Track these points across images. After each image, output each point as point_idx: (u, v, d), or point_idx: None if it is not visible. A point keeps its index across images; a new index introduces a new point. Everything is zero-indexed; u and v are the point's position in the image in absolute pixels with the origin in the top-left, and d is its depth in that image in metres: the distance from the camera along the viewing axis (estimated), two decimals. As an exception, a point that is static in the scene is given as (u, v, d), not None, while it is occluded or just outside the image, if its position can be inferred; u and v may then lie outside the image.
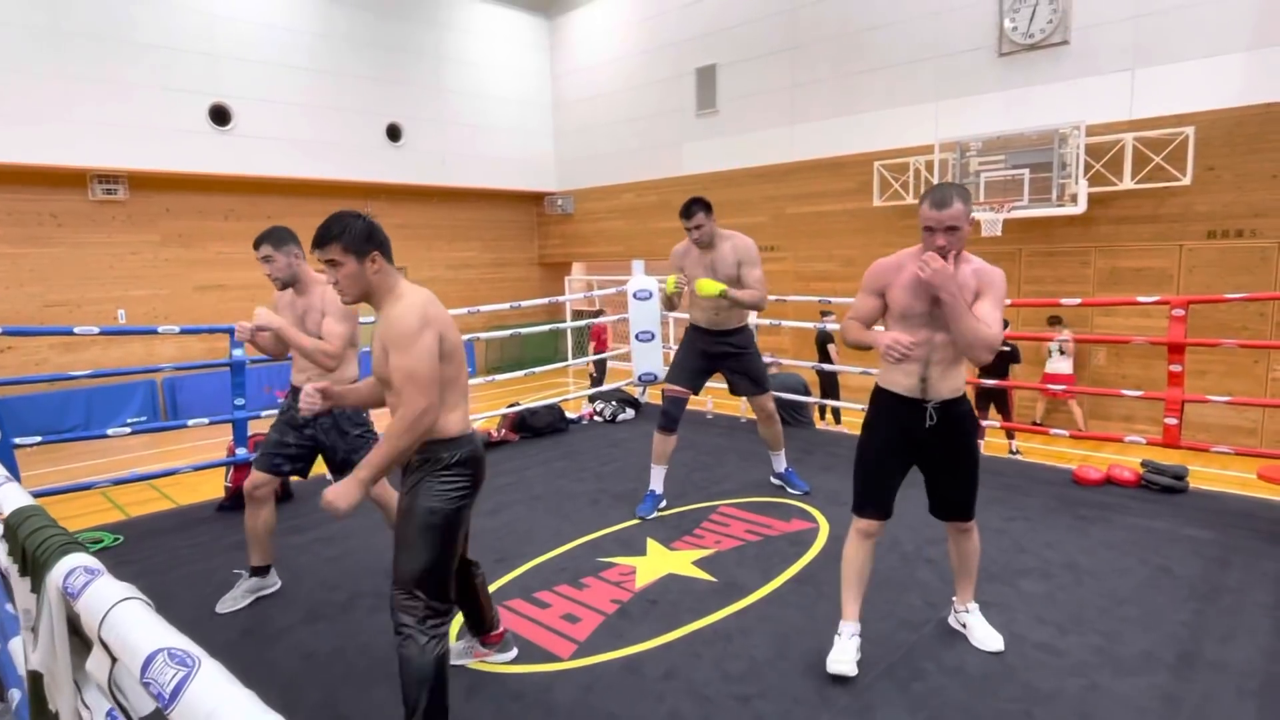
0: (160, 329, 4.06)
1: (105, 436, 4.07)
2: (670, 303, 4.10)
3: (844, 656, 2.48)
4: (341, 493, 2.00)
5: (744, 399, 6.55)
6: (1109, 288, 8.14)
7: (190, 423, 4.23)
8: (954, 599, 2.80)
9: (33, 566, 1.08)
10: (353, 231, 2.05)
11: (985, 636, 2.66)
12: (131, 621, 0.77)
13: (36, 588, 1.06)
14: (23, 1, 8.55)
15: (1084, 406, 8.41)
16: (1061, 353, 8.28)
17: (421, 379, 1.99)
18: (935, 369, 2.45)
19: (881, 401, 2.59)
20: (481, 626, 2.59)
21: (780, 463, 4.40)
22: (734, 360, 4.15)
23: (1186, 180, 7.34)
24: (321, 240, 2.06)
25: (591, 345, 10.13)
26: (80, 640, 1.04)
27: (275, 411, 3.35)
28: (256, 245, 3.00)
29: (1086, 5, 8.00)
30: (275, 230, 3.01)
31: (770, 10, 10.75)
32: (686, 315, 4.31)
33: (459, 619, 2.92)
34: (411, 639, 2.03)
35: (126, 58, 9.31)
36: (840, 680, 2.45)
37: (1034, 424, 8.30)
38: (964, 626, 2.74)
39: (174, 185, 10.23)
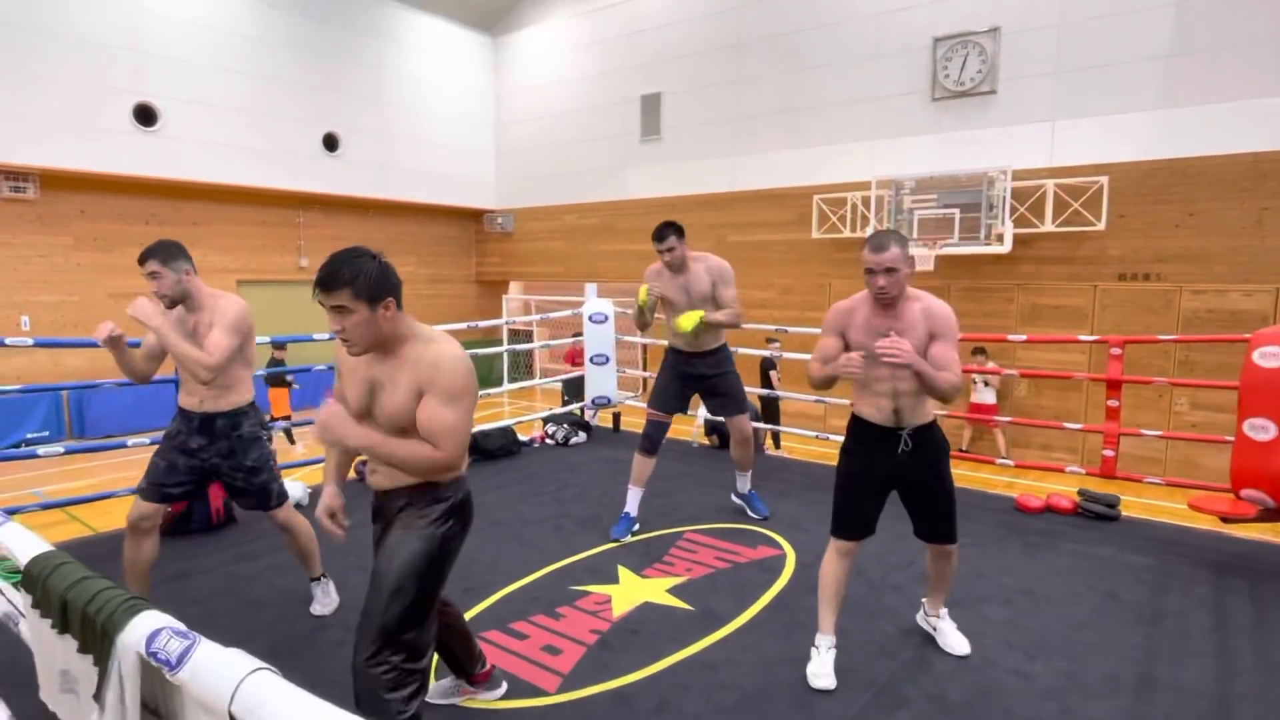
0: (101, 341, 3.77)
1: (35, 456, 3.74)
2: (643, 318, 4.09)
3: (824, 670, 2.65)
4: (342, 425, 1.88)
5: (697, 424, 6.63)
6: (1030, 323, 8.64)
7: (130, 442, 3.95)
8: (924, 602, 3.02)
9: (85, 626, 0.99)
10: (367, 277, 1.83)
11: (955, 641, 2.87)
12: (279, 699, 0.71)
13: (93, 650, 0.97)
14: (-73, -18, 7.93)
15: (1007, 435, 8.86)
16: (986, 384, 8.73)
17: (460, 435, 1.92)
18: (905, 400, 2.61)
19: (858, 430, 2.75)
20: (467, 667, 2.47)
21: (744, 483, 4.45)
22: (713, 381, 4.20)
23: (1101, 225, 7.90)
24: (329, 284, 1.83)
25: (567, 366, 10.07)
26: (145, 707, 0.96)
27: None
28: (142, 260, 2.82)
29: (1012, 59, 8.55)
30: (163, 244, 2.85)
31: (716, 43, 11.02)
32: (630, 338, 4.34)
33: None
34: (383, 698, 1.87)
35: (41, 48, 8.72)
36: (830, 707, 2.49)
37: (961, 450, 8.68)
38: (934, 629, 2.95)
39: (91, 186, 9.60)
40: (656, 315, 4.22)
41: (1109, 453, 4.25)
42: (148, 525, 2.96)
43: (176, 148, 9.89)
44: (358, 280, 1.84)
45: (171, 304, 2.89)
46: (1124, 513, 4.44)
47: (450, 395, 1.90)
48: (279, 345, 7.44)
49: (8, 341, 3.55)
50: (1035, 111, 8.47)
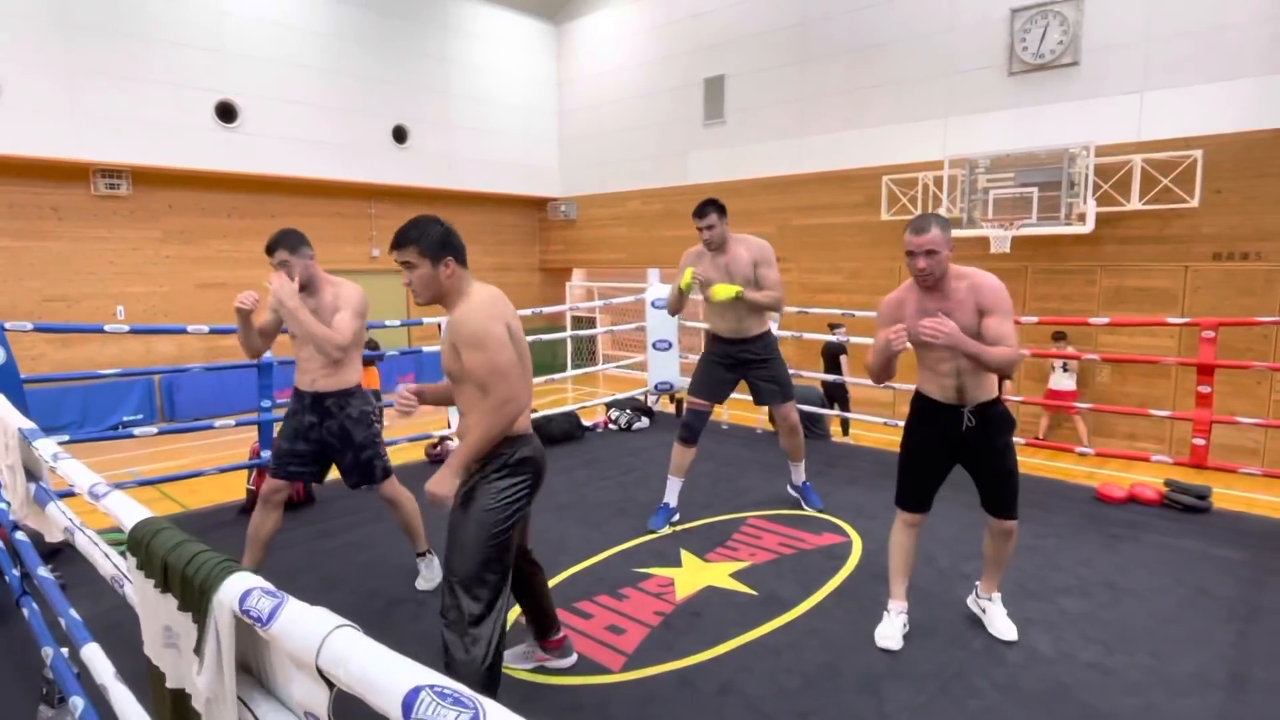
0: (190, 328, 4.00)
1: (130, 436, 4.00)
2: (680, 302, 3.98)
3: (892, 633, 2.75)
4: (440, 481, 2.08)
5: (763, 410, 6.57)
6: (1114, 307, 8.24)
7: (217, 424, 4.18)
8: (978, 584, 3.00)
9: (184, 586, 1.06)
10: (429, 236, 2.13)
11: (1003, 626, 2.85)
12: (362, 654, 0.75)
13: (192, 607, 1.04)
14: (32, -7, 8.46)
15: (1088, 423, 8.49)
16: (1065, 369, 8.37)
17: (502, 368, 2.06)
18: (968, 377, 2.62)
19: (921, 405, 2.77)
20: (542, 629, 2.59)
21: (799, 475, 4.33)
22: (759, 368, 4.04)
23: (1194, 202, 7.44)
24: (399, 243, 2.14)
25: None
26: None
27: None
28: (270, 250, 2.98)
29: (1097, 28, 8.11)
30: (288, 234, 3.00)
31: (780, 23, 10.82)
32: (692, 323, 4.23)
33: (512, 614, 2.92)
34: (457, 645, 2.05)
35: (134, 52, 9.22)
36: (898, 694, 2.46)
37: (1037, 438, 8.36)
38: (983, 612, 2.94)
39: (178, 182, 10.11)
40: (693, 297, 4.07)
41: (1200, 441, 4.02)
42: (278, 499, 3.16)
43: (255, 143, 10.32)
44: (421, 239, 2.13)
45: (299, 289, 3.04)
46: (1215, 505, 4.20)
47: (471, 342, 2.07)
48: (369, 329, 8.05)
49: (107, 329, 3.79)
50: (1122, 83, 8.02)
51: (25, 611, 2.48)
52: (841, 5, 10.12)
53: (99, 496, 1.42)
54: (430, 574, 3.34)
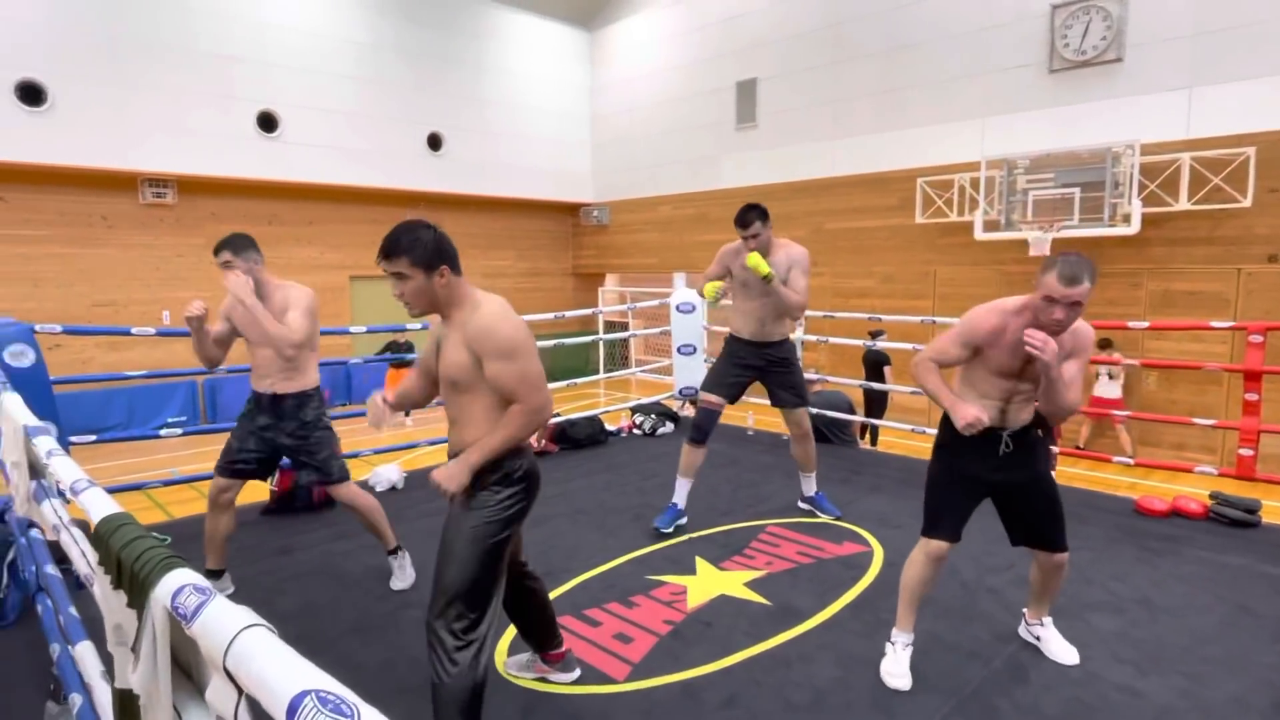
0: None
1: (158, 437, 4.09)
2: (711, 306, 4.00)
3: (900, 669, 2.54)
4: (452, 474, 2.00)
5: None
6: (1161, 311, 7.92)
7: (239, 426, 4.25)
8: (1025, 612, 2.82)
9: (131, 582, 1.04)
10: (422, 245, 2.00)
11: (1061, 650, 2.68)
12: (263, 654, 0.72)
13: (136, 604, 1.02)
14: (85, 12, 8.77)
15: (1133, 432, 8.17)
16: (1110, 376, 8.07)
17: (533, 379, 2.03)
18: (1014, 404, 2.49)
19: (955, 428, 2.54)
20: (541, 641, 2.52)
21: (810, 486, 4.21)
22: (776, 374, 3.98)
23: (1246, 202, 7.11)
24: (388, 253, 2.01)
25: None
26: (176, 660, 0.99)
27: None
28: (216, 252, 3.03)
29: (1142, 23, 7.83)
30: (235, 237, 3.05)
31: (813, 25, 10.69)
32: (719, 328, 4.18)
33: (510, 632, 2.87)
34: (445, 658, 1.97)
35: (181, 66, 9.50)
36: (910, 711, 2.35)
37: (1078, 448, 8.07)
38: (1038, 639, 2.76)
39: (221, 190, 10.39)
40: (724, 303, 4.07)
41: (1246, 451, 3.81)
42: (224, 500, 3.19)
43: (294, 152, 10.55)
44: (414, 249, 2.01)
45: None
46: (1265, 520, 3.98)
47: (502, 354, 2.00)
48: (399, 332, 8.38)
49: (134, 331, 3.87)
50: (1169, 79, 7.72)
51: (40, 608, 2.53)
52: (875, 5, 9.95)
53: (78, 492, 1.42)
54: (403, 574, 3.36)
